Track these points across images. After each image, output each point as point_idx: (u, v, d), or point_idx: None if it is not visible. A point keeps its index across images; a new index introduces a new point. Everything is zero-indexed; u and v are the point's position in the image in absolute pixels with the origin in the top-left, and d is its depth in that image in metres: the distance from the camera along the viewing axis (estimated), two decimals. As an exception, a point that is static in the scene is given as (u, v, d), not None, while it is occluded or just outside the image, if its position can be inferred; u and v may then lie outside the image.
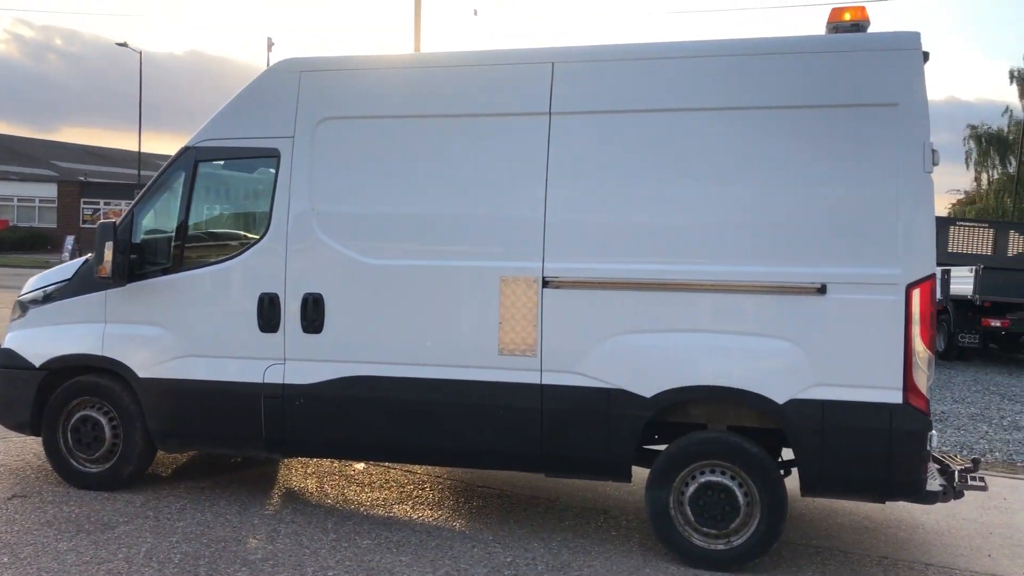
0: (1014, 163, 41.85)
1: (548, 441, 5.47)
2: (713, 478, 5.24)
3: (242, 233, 6.27)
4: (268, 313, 5.85)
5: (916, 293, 4.93)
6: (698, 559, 5.25)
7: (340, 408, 5.78)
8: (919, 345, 4.94)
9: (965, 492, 5.34)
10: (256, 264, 5.93)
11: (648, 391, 5.26)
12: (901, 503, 5.44)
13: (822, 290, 5.03)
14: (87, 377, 6.32)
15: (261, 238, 5.94)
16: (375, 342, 5.73)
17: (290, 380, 5.84)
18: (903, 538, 6.03)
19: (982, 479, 5.49)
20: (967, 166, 46.81)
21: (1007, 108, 45.43)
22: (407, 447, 5.84)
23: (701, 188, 5.29)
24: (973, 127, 45.49)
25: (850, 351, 5.02)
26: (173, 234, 6.15)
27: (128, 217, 6.15)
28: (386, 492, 6.60)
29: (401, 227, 5.76)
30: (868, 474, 5.06)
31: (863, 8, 5.33)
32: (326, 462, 7.24)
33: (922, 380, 4.96)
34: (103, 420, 6.29)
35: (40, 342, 6.41)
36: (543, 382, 5.45)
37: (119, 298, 6.19)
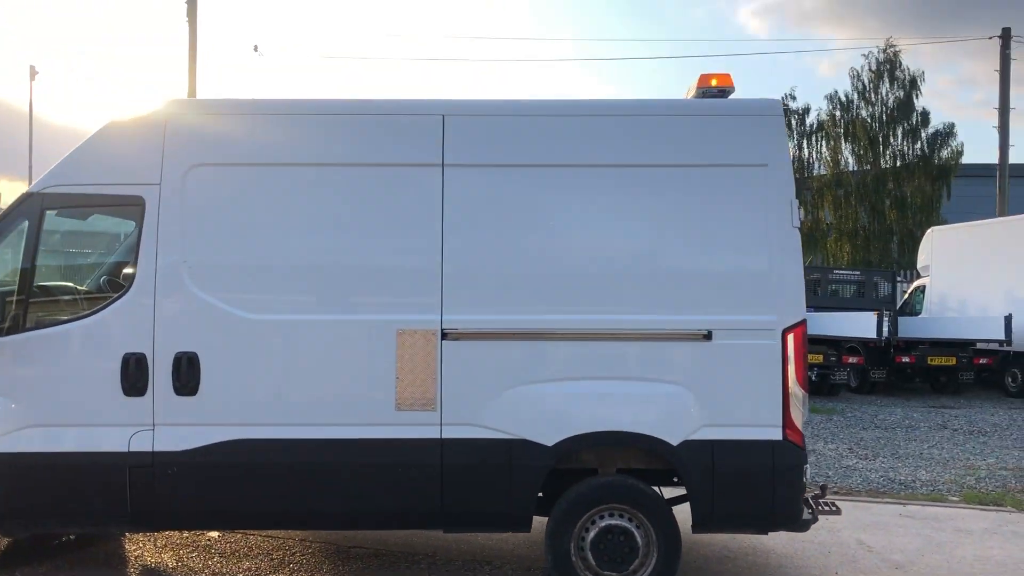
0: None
1: (450, 496, 5.39)
2: (613, 521, 5.39)
3: (100, 287, 5.71)
4: (134, 375, 5.36)
5: (791, 337, 5.37)
6: None
7: (220, 475, 5.38)
8: (794, 384, 5.38)
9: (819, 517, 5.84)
10: (118, 321, 5.42)
11: (550, 440, 5.34)
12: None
13: (708, 336, 5.37)
14: None
15: (124, 293, 5.44)
16: (258, 402, 5.40)
17: (161, 447, 5.37)
18: (762, 563, 6.47)
19: (834, 504, 6.03)
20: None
21: None
22: (297, 513, 5.52)
23: (591, 240, 5.49)
24: None
25: (734, 392, 5.38)
26: (15, 289, 5.51)
27: None
28: (255, 561, 6.20)
29: (286, 279, 5.50)
30: (754, 508, 5.42)
31: (728, 75, 5.79)
32: (175, 533, 6.68)
33: (798, 416, 5.40)
34: None
35: None
36: (443, 436, 5.38)
37: None
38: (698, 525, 5.46)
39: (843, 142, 42.81)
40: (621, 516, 5.40)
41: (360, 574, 5.99)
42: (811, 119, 44.86)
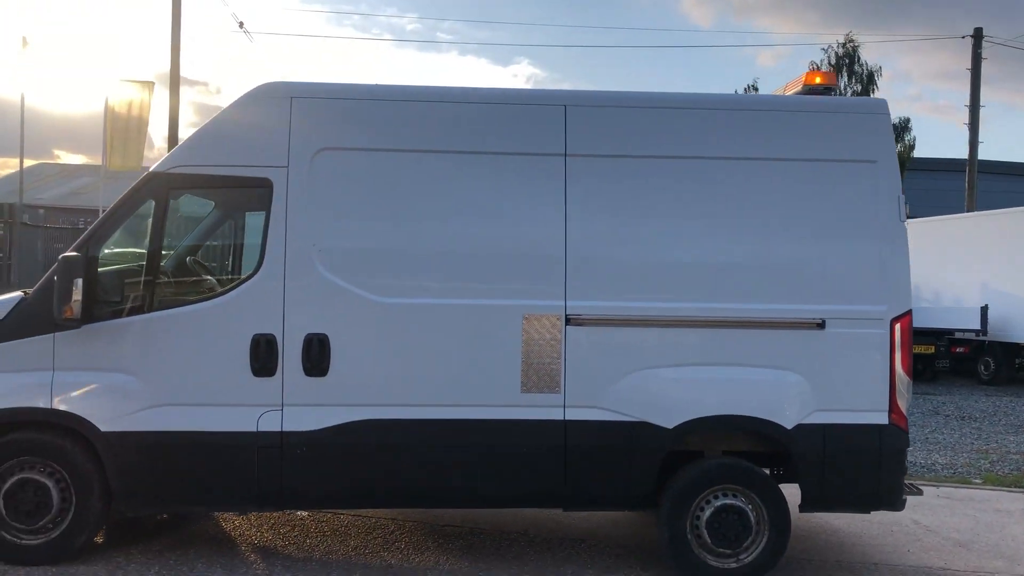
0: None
1: (572, 476, 5.56)
2: (727, 501, 5.61)
3: (227, 268, 5.73)
4: (264, 356, 5.41)
5: (898, 326, 5.64)
6: None
7: (348, 455, 5.47)
8: (901, 371, 5.65)
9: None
10: (247, 303, 5.46)
11: (671, 422, 5.53)
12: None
13: (822, 325, 5.61)
14: (25, 434, 5.45)
15: (253, 274, 5.48)
16: (386, 383, 5.50)
17: (289, 427, 5.44)
18: (836, 542, 6.77)
19: (915, 485, 6.34)
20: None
21: None
22: (422, 492, 5.65)
23: (708, 231, 5.68)
24: None
25: (845, 379, 5.64)
26: (141, 269, 5.50)
27: (84, 250, 5.41)
28: (360, 539, 6.29)
29: (415, 264, 5.59)
30: (861, 489, 5.70)
31: (832, 73, 6.02)
32: (270, 515, 6.73)
33: (903, 402, 5.67)
34: (49, 483, 5.45)
35: None
36: (566, 418, 5.54)
37: (73, 342, 5.41)
38: (807, 505, 5.71)
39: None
40: (735, 496, 5.62)
41: (465, 551, 6.13)
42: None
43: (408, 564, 5.84)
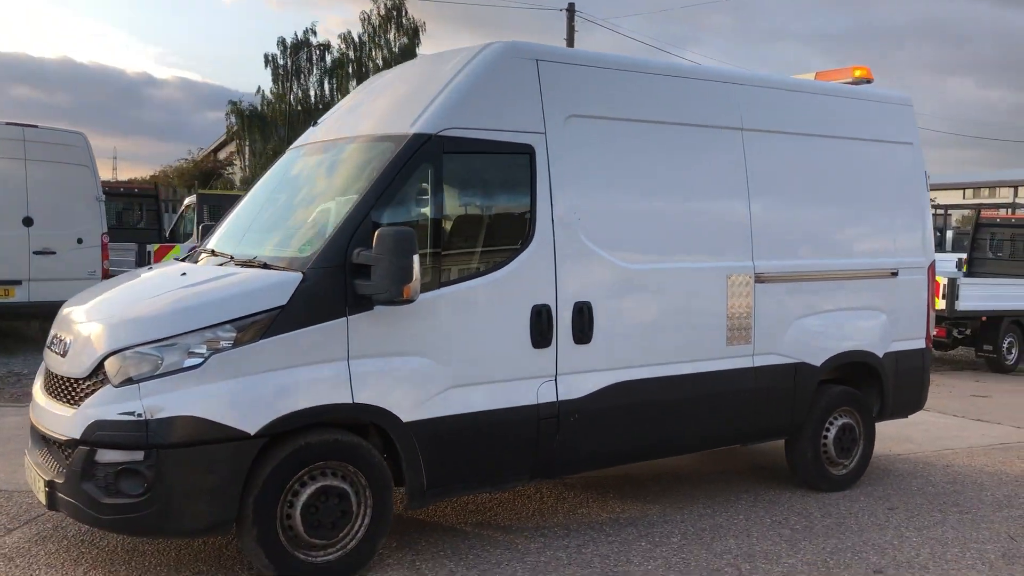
0: (275, 139, 45.95)
1: (758, 414, 6.38)
2: (845, 420, 6.89)
3: (500, 239, 5.34)
4: (543, 327, 5.30)
5: (929, 272, 7.38)
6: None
7: (609, 417, 5.61)
8: (931, 308, 7.42)
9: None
10: (525, 274, 5.26)
11: (818, 360, 6.63)
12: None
13: (895, 274, 7.12)
14: (321, 436, 4.66)
15: (526, 245, 5.28)
16: (635, 346, 5.74)
17: (564, 396, 5.41)
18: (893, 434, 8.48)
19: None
20: (234, 141, 49.30)
21: (259, 88, 49.08)
22: (666, 442, 6.10)
23: (829, 200, 6.82)
24: (234, 103, 48.03)
25: (907, 315, 7.23)
26: (427, 241, 4.97)
27: (365, 220, 4.74)
28: (500, 501, 6.32)
29: (651, 230, 5.86)
30: (914, 396, 7.41)
31: (868, 68, 7.45)
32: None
33: (932, 329, 7.46)
34: (347, 487, 4.73)
35: (247, 399, 4.44)
36: (755, 364, 6.32)
37: (366, 325, 4.74)
38: (882, 415, 7.22)
39: (356, 82, 44.99)
40: (850, 416, 6.93)
41: (599, 500, 6.54)
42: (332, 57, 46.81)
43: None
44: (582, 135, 5.55)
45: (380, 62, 45.36)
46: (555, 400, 5.39)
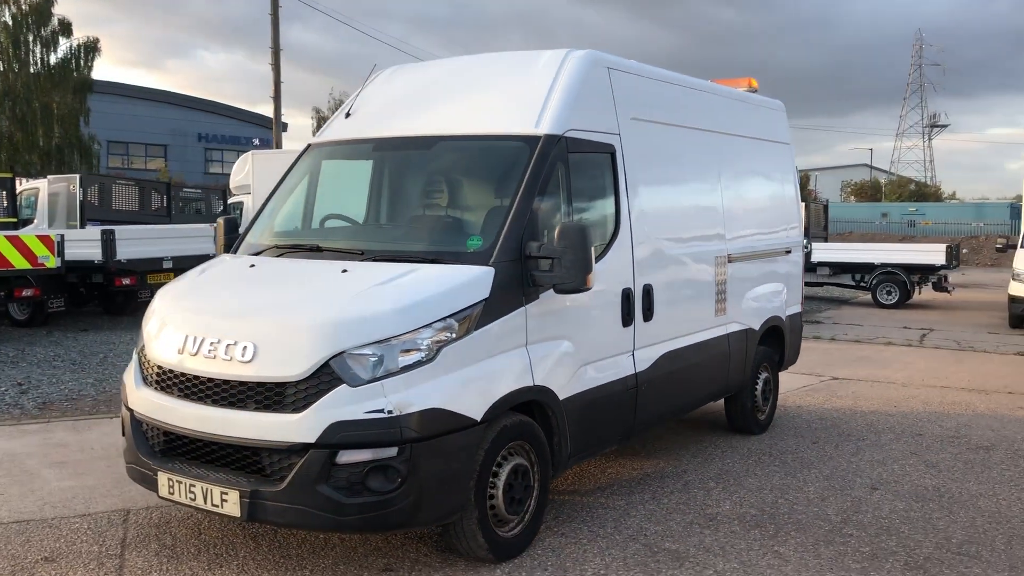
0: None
1: (730, 372, 7.60)
2: (766, 375, 8.35)
3: (602, 228, 5.86)
4: (630, 307, 6.01)
5: (803, 249, 9.10)
6: None
7: (665, 381, 6.47)
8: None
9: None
10: (617, 260, 5.92)
11: (757, 325, 8.02)
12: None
13: (789, 252, 8.72)
14: (511, 418, 4.96)
15: (617, 233, 5.93)
16: (675, 320, 6.64)
17: (639, 368, 6.17)
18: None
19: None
20: None
21: None
22: (689, 400, 7.23)
23: (752, 190, 8.20)
24: None
25: (795, 286, 8.86)
26: None
27: (532, 215, 5.12)
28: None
29: (680, 220, 6.89)
30: (795, 352, 9.09)
31: (755, 79, 8.91)
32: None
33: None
34: (527, 464, 5.10)
35: (473, 388, 4.68)
36: (727, 331, 7.50)
37: (536, 313, 5.15)
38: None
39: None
40: (767, 371, 8.39)
41: (699, 454, 7.40)
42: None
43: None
44: (640, 136, 6.31)
45: (8, 20, 40.10)
46: (633, 372, 6.13)
